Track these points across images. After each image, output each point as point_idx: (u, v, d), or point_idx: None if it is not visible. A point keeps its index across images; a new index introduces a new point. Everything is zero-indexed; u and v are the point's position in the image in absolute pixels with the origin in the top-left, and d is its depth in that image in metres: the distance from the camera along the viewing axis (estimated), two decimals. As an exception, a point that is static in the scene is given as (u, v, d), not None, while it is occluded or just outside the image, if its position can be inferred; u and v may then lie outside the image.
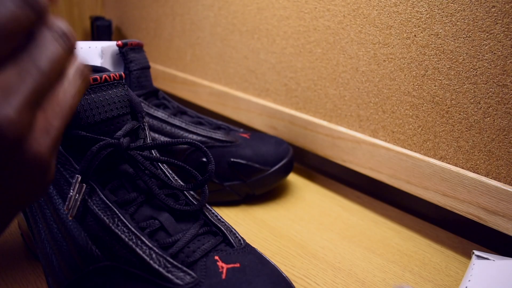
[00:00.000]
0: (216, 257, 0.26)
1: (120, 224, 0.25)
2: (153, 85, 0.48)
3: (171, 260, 0.24)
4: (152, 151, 0.31)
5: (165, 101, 0.48)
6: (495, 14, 0.35)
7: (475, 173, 0.38)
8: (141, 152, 0.29)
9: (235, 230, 0.29)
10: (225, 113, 0.64)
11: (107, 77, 0.28)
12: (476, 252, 0.34)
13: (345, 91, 0.48)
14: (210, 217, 0.29)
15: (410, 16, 0.40)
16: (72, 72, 0.19)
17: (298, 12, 0.51)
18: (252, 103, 0.59)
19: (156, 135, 0.44)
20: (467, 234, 0.43)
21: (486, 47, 0.36)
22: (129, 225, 0.26)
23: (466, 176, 0.38)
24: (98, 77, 0.28)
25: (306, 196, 0.50)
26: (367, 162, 0.47)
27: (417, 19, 0.40)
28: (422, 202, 0.48)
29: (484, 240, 0.43)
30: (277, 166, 0.46)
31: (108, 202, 0.26)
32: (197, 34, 0.68)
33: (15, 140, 0.15)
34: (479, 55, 0.36)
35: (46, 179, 0.18)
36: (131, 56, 0.44)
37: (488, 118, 0.37)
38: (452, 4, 0.37)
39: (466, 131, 0.38)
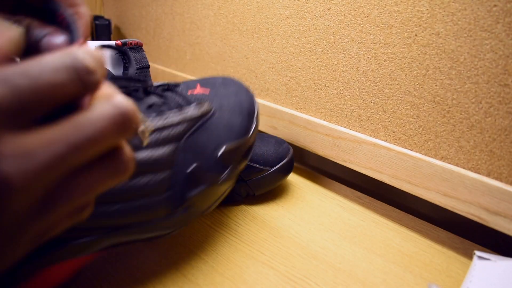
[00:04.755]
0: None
1: None
2: (153, 84, 0.48)
3: None
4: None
5: (164, 101, 0.48)
6: (497, 13, 0.34)
7: (477, 173, 0.38)
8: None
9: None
10: (225, 112, 0.64)
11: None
12: (478, 253, 0.34)
13: (346, 91, 0.48)
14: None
15: (411, 15, 0.40)
16: (116, 160, 0.17)
17: (299, 12, 0.50)
18: (252, 103, 0.59)
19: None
20: (468, 235, 0.43)
21: (488, 47, 0.35)
22: None
23: (467, 176, 0.38)
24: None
25: (306, 196, 0.49)
26: (367, 162, 0.46)
27: (418, 18, 0.39)
28: (423, 203, 0.48)
29: (485, 240, 0.42)
30: (277, 166, 0.46)
31: None
32: (197, 33, 0.67)
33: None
34: (480, 55, 0.36)
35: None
36: (130, 56, 0.44)
37: (490, 118, 0.37)
38: (453, 3, 0.37)
39: (467, 131, 0.38)
